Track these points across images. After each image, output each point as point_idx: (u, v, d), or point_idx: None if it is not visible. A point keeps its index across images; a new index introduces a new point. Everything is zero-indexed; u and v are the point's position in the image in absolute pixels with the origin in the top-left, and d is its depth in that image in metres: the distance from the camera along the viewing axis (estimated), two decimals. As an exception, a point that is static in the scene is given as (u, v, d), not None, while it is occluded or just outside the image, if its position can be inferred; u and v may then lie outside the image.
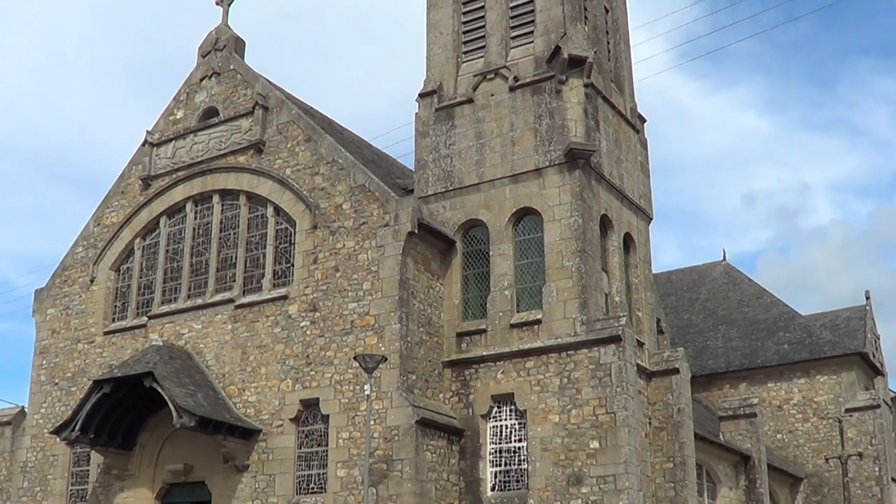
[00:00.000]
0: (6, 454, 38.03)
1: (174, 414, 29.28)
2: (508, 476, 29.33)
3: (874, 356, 49.48)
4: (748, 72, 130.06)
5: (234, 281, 33.20)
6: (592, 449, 27.74)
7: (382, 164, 36.62)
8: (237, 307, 32.57)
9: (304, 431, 30.43)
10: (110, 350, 35.52)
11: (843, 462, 43.62)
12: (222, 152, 34.73)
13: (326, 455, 29.50)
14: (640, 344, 31.28)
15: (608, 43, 34.88)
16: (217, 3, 38.08)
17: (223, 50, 36.63)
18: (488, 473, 29.62)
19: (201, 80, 36.76)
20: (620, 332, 28.14)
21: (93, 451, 33.86)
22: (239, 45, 36.87)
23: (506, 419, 29.73)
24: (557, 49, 31.28)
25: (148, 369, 30.31)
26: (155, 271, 35.71)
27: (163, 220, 36.03)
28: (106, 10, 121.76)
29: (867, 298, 52.54)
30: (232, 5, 37.89)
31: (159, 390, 29.84)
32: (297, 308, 31.22)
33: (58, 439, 33.35)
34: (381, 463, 27.99)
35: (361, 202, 30.88)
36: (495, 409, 29.91)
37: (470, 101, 32.75)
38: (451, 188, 32.27)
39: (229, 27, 37.28)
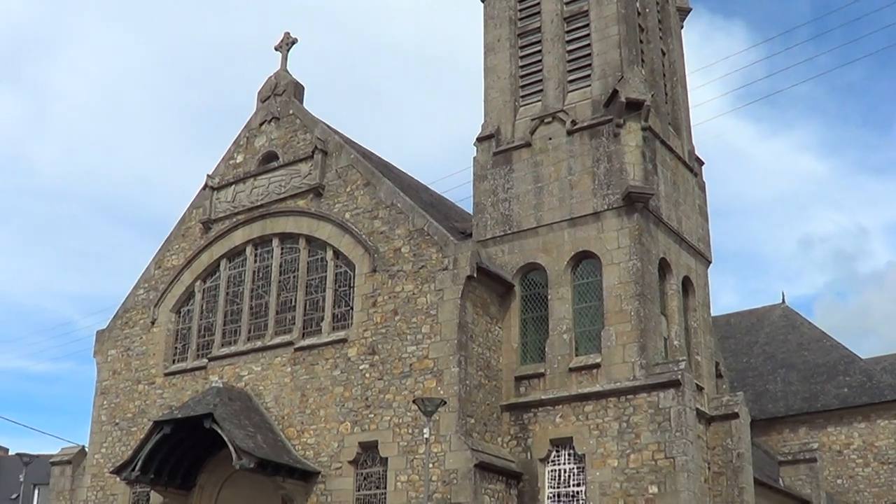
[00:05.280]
0: (66, 493, 38.28)
1: (234, 455, 29.43)
2: (567, 520, 29.25)
3: (935, 400, 48.82)
4: (805, 115, 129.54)
5: (294, 324, 33.42)
6: (651, 494, 27.50)
7: (441, 208, 36.75)
8: (297, 350, 32.76)
9: (362, 474, 30.49)
10: (170, 391, 35.84)
11: (903, 507, 43.11)
12: (282, 196, 35.04)
13: (385, 498, 29.49)
14: (700, 388, 31.09)
15: (665, 86, 34.91)
16: (276, 49, 38.58)
17: (282, 95, 37.05)
18: (546, 518, 29.54)
19: (261, 124, 37.17)
20: (679, 376, 27.97)
21: (152, 491, 34.05)
22: (298, 90, 37.28)
23: (564, 463, 29.62)
24: (615, 92, 31.31)
25: (208, 411, 30.50)
26: (215, 314, 36.03)
27: (223, 263, 36.40)
28: (167, 57, 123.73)
29: (927, 341, 51.98)
30: (291, 51, 38.39)
31: (219, 432, 30.01)
32: (356, 351, 31.36)
33: (118, 479, 33.63)
34: (439, 506, 28.01)
35: (420, 246, 31.04)
36: (554, 452, 29.80)
37: (528, 144, 32.83)
38: (509, 232, 32.32)
39: (288, 72, 37.73)
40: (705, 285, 34.30)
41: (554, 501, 29.39)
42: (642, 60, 33.32)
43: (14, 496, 74.68)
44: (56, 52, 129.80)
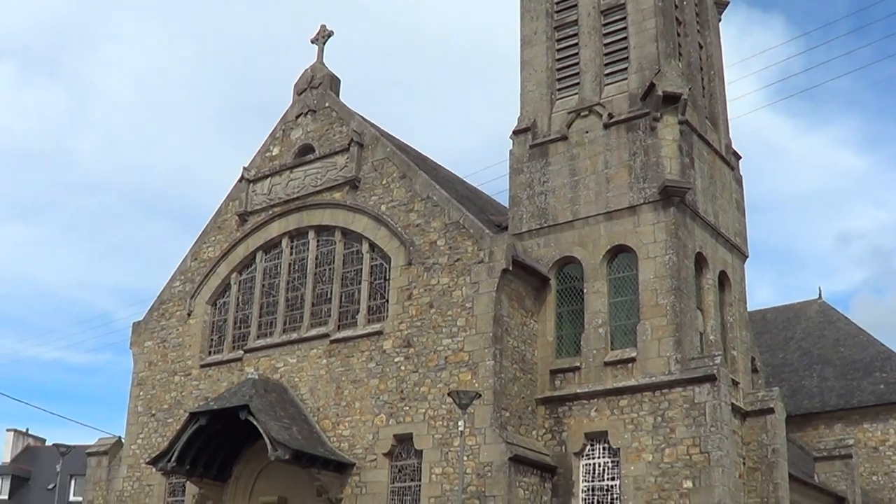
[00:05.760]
0: (103, 483, 38.56)
1: (269, 447, 29.58)
2: (601, 514, 29.20)
3: (973, 397, 48.34)
4: (843, 110, 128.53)
5: (329, 316, 33.50)
6: (686, 489, 27.43)
7: (477, 201, 36.79)
8: (332, 342, 32.84)
9: (397, 466, 30.54)
10: (206, 383, 36.01)
11: (941, 505, 42.73)
12: (318, 189, 35.13)
13: (419, 490, 29.55)
14: (735, 383, 30.96)
15: (702, 79, 34.75)
16: (312, 42, 38.63)
17: (318, 88, 37.12)
18: (581, 511, 29.50)
19: (297, 117, 37.26)
20: (715, 371, 27.87)
21: (188, 482, 34.25)
22: (334, 82, 37.32)
23: (599, 457, 29.57)
24: (652, 86, 31.21)
25: (243, 402, 30.65)
26: (251, 306, 36.17)
27: (259, 255, 36.51)
28: (205, 50, 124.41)
29: (965, 338, 51.39)
30: (327, 44, 38.41)
31: (255, 423, 30.16)
32: (391, 343, 31.40)
33: (154, 469, 33.88)
34: (473, 499, 27.95)
35: (456, 239, 31.02)
36: (588, 446, 29.75)
37: (564, 138, 32.77)
38: (545, 225, 32.28)
39: (324, 65, 37.78)
40: (742, 280, 34.14)
41: (588, 495, 29.36)
42: (679, 54, 33.18)
43: (51, 486, 75.37)
44: (96, 47, 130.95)
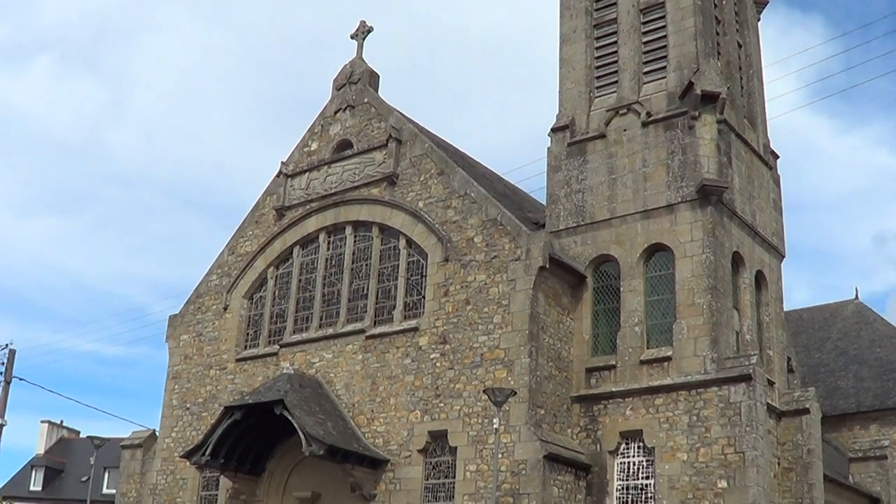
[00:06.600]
0: (136, 476, 38.73)
1: (303, 442, 29.66)
2: (635, 513, 29.16)
3: None
4: (882, 110, 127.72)
5: (366, 312, 33.58)
6: (720, 488, 27.38)
7: (514, 198, 36.73)
8: (368, 338, 32.91)
9: (431, 463, 30.60)
10: (242, 377, 36.13)
11: (977, 508, 42.40)
12: (356, 184, 35.20)
13: (453, 487, 29.58)
14: (771, 383, 30.85)
15: (741, 79, 34.63)
16: (352, 37, 38.68)
17: (357, 83, 37.18)
18: (615, 510, 29.47)
19: (336, 112, 37.33)
20: (751, 370, 27.81)
21: (222, 476, 34.36)
22: (373, 78, 37.37)
23: (633, 456, 29.54)
24: (690, 85, 31.14)
25: (279, 397, 30.73)
26: (287, 300, 36.27)
27: (296, 250, 36.63)
28: (244, 45, 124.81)
29: None
30: (366, 39, 38.45)
31: (289, 418, 30.23)
32: (427, 340, 31.44)
33: (188, 463, 33.97)
34: (507, 497, 27.97)
35: (493, 236, 31.03)
36: (623, 445, 29.72)
37: (602, 136, 32.71)
38: (582, 223, 32.24)
39: (363, 61, 37.83)
40: (778, 280, 34.02)
41: (623, 494, 29.34)
42: (718, 53, 33.09)
43: (85, 478, 75.71)
44: (135, 39, 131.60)
